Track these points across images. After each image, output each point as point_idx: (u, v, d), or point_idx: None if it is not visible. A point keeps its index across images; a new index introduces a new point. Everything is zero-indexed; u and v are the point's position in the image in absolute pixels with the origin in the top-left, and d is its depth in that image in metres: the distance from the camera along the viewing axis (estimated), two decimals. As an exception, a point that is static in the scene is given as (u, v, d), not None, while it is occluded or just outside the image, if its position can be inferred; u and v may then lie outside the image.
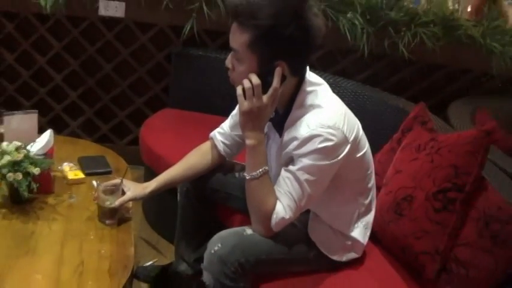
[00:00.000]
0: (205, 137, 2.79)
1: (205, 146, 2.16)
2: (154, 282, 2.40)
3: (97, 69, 3.23)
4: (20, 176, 1.81)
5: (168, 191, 2.52)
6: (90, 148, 2.47)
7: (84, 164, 2.26)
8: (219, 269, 1.74)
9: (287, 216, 1.71)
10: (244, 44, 1.61)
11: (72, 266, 1.67)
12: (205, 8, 2.87)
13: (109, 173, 2.26)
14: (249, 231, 1.82)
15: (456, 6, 3.19)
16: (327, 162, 1.67)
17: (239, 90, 1.65)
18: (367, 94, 2.72)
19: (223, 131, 2.11)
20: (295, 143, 1.68)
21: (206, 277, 1.78)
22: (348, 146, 1.69)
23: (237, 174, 2.17)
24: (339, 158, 1.69)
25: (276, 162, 1.83)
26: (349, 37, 2.95)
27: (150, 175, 2.80)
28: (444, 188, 1.94)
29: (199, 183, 2.17)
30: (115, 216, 1.94)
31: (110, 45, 3.16)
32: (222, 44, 3.21)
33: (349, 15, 2.98)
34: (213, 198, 2.22)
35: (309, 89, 1.74)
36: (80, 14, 2.99)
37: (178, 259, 2.34)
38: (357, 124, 1.78)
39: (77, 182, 2.14)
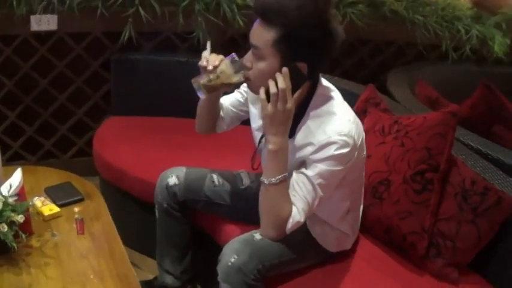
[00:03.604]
0: (162, 141, 2.68)
1: None
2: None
3: (33, 86, 2.96)
4: (5, 227, 1.62)
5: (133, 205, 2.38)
6: (52, 175, 2.26)
7: (53, 195, 2.08)
8: (239, 279, 1.67)
9: (302, 220, 1.67)
10: (268, 42, 1.54)
11: (84, 312, 1.52)
12: (141, 11, 2.69)
13: (81, 200, 2.09)
14: (257, 236, 1.76)
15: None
16: (341, 167, 1.64)
17: (262, 94, 1.57)
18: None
19: (223, 102, 2.02)
20: (311, 148, 1.63)
21: None
22: (356, 152, 1.67)
23: (216, 182, 2.09)
24: (350, 163, 1.67)
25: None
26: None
27: (106, 185, 2.64)
28: (420, 170, 1.97)
29: (178, 197, 2.07)
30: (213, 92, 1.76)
31: (45, 60, 2.90)
32: (157, 44, 3.06)
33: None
34: (194, 209, 2.13)
35: (324, 93, 1.70)
36: (11, 32, 2.72)
37: (162, 273, 2.22)
38: (362, 129, 1.75)
39: (54, 217, 1.96)
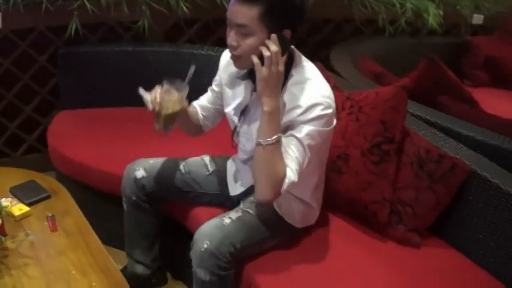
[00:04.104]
0: (117, 131, 2.67)
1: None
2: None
3: (-20, 86, 2.88)
4: (-18, 232, 1.61)
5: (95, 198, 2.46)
6: (14, 175, 2.22)
7: (19, 194, 2.06)
8: (212, 263, 1.75)
9: (296, 179, 1.71)
10: (254, 17, 1.62)
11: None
12: (87, 3, 2.65)
13: (49, 197, 2.09)
14: (226, 220, 1.84)
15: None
16: (327, 128, 1.73)
17: (255, 59, 1.63)
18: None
19: (201, 103, 2.09)
20: (298, 111, 1.70)
21: (200, 273, 1.78)
22: (334, 118, 1.77)
23: (183, 170, 2.13)
24: (333, 125, 1.76)
25: None
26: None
27: (63, 180, 2.60)
28: (377, 143, 2.07)
29: (147, 189, 2.09)
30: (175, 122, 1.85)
31: (-10, 60, 2.81)
32: (102, 35, 3.04)
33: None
34: (163, 198, 2.16)
35: (301, 62, 1.79)
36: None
37: (133, 263, 2.25)
38: None
39: (25, 216, 1.95)
